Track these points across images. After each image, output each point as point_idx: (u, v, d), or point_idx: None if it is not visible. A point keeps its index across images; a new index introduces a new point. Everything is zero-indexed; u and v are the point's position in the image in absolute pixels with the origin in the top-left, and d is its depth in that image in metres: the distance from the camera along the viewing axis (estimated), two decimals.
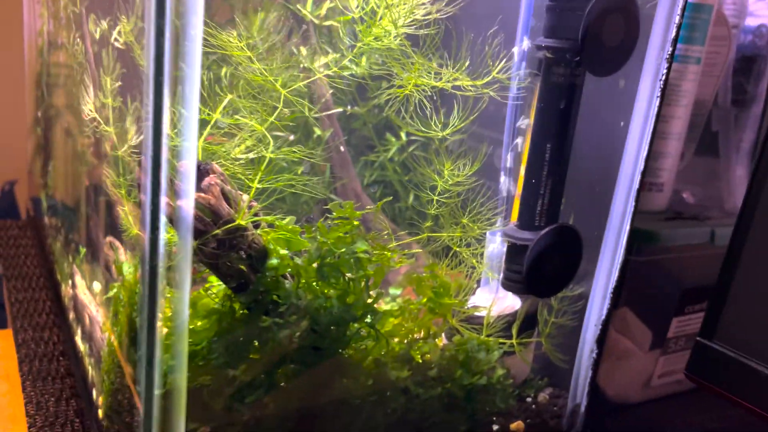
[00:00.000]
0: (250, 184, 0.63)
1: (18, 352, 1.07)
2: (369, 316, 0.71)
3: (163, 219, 0.57)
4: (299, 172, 0.79)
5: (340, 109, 0.89)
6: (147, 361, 0.63)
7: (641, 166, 0.80)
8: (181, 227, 0.58)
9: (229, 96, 0.66)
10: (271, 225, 0.66)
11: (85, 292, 0.97)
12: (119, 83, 0.72)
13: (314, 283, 0.67)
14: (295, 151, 0.65)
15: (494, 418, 0.85)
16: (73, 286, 1.00)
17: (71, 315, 1.02)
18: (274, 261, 0.65)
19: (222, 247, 0.62)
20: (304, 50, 0.78)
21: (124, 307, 0.69)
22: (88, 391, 0.91)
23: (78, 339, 0.96)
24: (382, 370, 0.75)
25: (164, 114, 0.56)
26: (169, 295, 0.60)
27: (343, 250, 0.66)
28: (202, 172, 0.63)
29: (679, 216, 1.00)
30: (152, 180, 0.57)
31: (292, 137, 0.81)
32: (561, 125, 0.76)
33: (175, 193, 0.57)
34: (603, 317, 0.87)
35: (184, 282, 0.60)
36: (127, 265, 0.71)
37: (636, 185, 0.82)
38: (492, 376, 0.82)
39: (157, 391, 0.62)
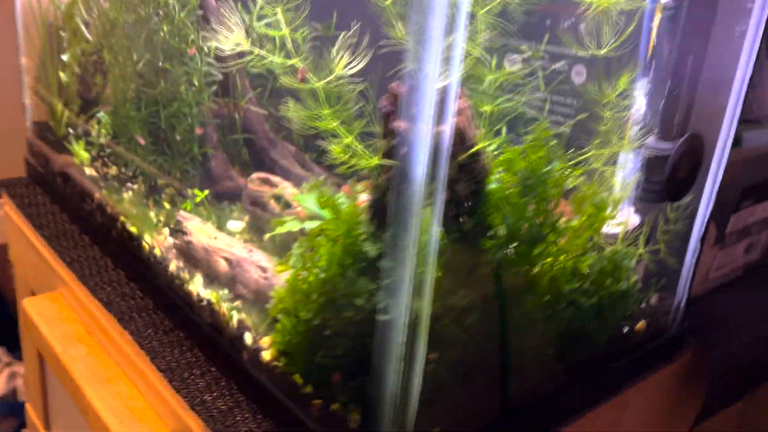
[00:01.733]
0: (482, 108, 0.64)
1: (111, 311, 1.02)
2: (553, 234, 0.75)
3: (426, 144, 0.57)
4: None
5: None
6: (388, 292, 0.64)
7: (749, 73, 0.87)
8: (440, 152, 0.59)
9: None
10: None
11: (214, 236, 0.93)
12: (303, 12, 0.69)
13: (516, 204, 0.70)
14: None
15: (624, 321, 0.93)
16: (182, 233, 0.96)
17: (174, 264, 0.98)
18: (493, 185, 0.67)
19: (461, 171, 0.63)
20: None
21: (336, 242, 0.69)
22: (220, 337, 0.90)
23: (193, 287, 0.94)
24: (555, 285, 0.79)
25: (434, 42, 0.55)
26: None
27: (545, 169, 0.69)
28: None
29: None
30: (419, 107, 0.57)
31: None
32: (700, 41, 0.81)
33: (437, 118, 0.57)
34: (707, 218, 0.95)
35: (436, 210, 0.61)
36: (343, 197, 0.70)
37: (743, 93, 0.89)
38: (629, 282, 0.89)
39: (404, 320, 0.63)
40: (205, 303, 0.92)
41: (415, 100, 0.57)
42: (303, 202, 0.93)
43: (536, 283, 0.76)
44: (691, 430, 1.08)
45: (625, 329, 0.93)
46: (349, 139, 0.66)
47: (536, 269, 0.76)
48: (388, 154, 0.62)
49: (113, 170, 1.18)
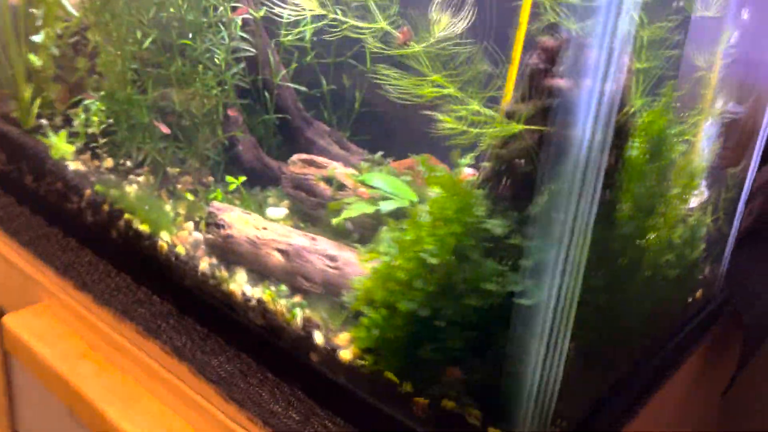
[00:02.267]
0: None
1: (130, 319, 0.90)
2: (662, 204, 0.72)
3: (592, 104, 0.51)
4: None
5: None
6: (531, 274, 0.58)
7: None
8: (605, 113, 0.53)
9: None
10: None
11: (263, 226, 0.83)
12: None
13: (648, 173, 0.65)
14: None
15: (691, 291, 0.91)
16: (216, 226, 0.85)
17: (207, 261, 0.87)
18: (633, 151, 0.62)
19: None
20: None
21: (451, 222, 0.61)
22: (277, 339, 0.80)
23: (236, 286, 0.83)
24: (653, 257, 0.76)
25: None
26: None
27: (672, 134, 0.65)
28: None
29: None
30: (585, 62, 0.51)
31: None
32: None
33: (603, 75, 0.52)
34: (750, 185, 0.95)
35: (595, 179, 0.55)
36: (446, 176, 0.62)
37: None
38: (699, 251, 0.87)
39: (551, 303, 0.57)
40: (254, 302, 0.82)
41: (581, 54, 0.51)
42: (369, 182, 0.85)
43: (643, 257, 0.73)
44: (731, 384, 1.09)
45: (690, 299, 0.92)
46: (474, 105, 0.59)
47: (644, 242, 0.72)
48: (537, 116, 0.56)
49: (108, 162, 1.05)
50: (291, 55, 1.05)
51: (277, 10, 0.69)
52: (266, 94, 1.01)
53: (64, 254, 1.04)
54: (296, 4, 0.69)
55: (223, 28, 0.92)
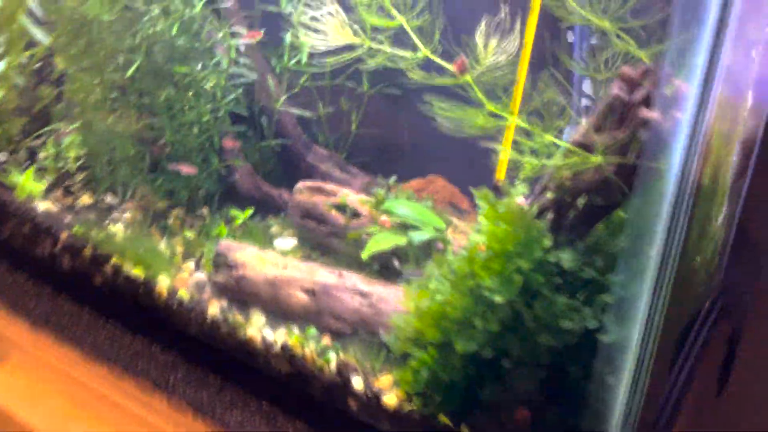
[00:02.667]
0: None
1: (132, 374, 0.82)
2: None
3: (684, 136, 0.50)
4: None
5: None
6: (613, 310, 0.55)
7: None
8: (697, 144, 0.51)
9: None
10: None
11: (284, 265, 0.77)
12: None
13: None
14: None
15: None
16: (227, 267, 0.78)
17: (217, 306, 0.81)
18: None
19: None
20: None
21: (514, 256, 0.58)
22: (306, 385, 0.75)
23: (253, 330, 0.77)
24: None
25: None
26: None
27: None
28: None
29: None
30: (679, 95, 0.49)
31: None
32: None
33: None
34: None
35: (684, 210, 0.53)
36: (511, 209, 0.59)
37: None
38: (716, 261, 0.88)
39: (638, 338, 0.55)
40: (278, 348, 0.76)
41: (671, 85, 0.49)
42: (395, 210, 0.81)
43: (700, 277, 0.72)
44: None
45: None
46: (547, 137, 0.56)
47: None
48: (617, 147, 0.54)
49: (85, 199, 0.95)
50: (296, 78, 0.99)
51: (308, 38, 0.64)
52: (262, 119, 0.96)
53: (36, 305, 0.94)
54: (325, 33, 0.64)
55: (219, 54, 0.86)
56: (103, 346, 0.87)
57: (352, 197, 0.86)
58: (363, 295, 0.74)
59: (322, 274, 0.76)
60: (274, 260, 0.78)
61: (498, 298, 0.60)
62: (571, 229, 0.60)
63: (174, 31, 0.81)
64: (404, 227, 0.82)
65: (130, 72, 0.83)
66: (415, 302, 0.66)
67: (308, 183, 0.88)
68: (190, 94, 0.85)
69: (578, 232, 0.59)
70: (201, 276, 0.84)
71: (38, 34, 0.88)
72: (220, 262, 0.79)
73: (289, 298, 0.76)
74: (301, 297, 0.75)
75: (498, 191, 1.03)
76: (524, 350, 0.60)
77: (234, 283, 0.78)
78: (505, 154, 0.57)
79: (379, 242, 0.78)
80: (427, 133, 0.63)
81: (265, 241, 0.87)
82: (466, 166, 0.96)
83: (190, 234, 0.89)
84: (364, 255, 0.78)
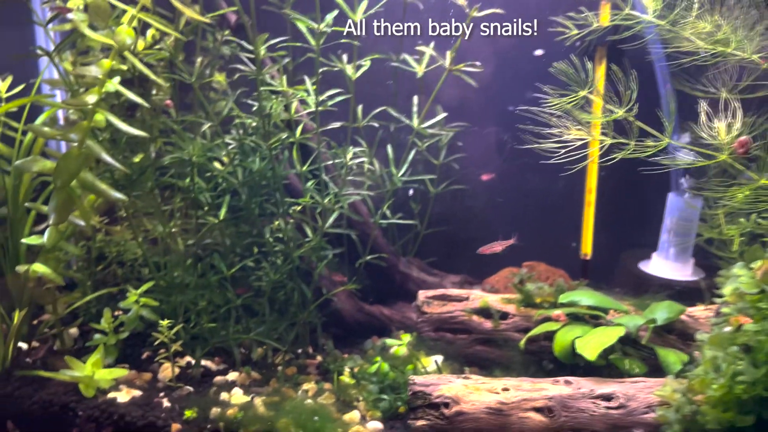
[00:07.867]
0: None
1: None
2: None
3: None
4: None
5: None
6: None
7: None
8: None
9: None
10: None
11: (504, 387, 0.67)
12: None
13: None
14: None
15: None
16: (433, 407, 0.67)
17: None
18: None
19: None
20: None
21: None
22: None
23: None
24: None
25: None
26: None
27: None
28: None
29: None
30: None
31: None
32: None
33: None
34: None
35: None
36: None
37: None
38: None
39: None
40: None
41: None
42: (579, 301, 0.77)
43: None
44: None
45: None
46: None
47: None
48: None
49: (167, 372, 0.77)
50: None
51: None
52: (355, 236, 0.89)
53: None
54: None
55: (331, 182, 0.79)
56: None
57: (491, 298, 0.82)
58: (605, 398, 0.68)
59: (553, 387, 0.69)
60: (486, 385, 0.69)
61: None
62: None
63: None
64: (576, 318, 0.78)
65: (222, 213, 0.73)
66: (699, 391, 0.62)
67: (429, 293, 0.83)
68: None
69: None
70: (378, 426, 0.72)
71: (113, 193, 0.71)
72: (420, 404, 0.68)
73: (522, 422, 0.67)
74: (536, 417, 0.67)
75: (587, 264, 1.02)
76: None
77: (446, 423, 0.68)
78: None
79: (600, 338, 0.72)
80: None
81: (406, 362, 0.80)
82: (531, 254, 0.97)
83: (349, 380, 0.76)
84: (593, 357, 0.71)
